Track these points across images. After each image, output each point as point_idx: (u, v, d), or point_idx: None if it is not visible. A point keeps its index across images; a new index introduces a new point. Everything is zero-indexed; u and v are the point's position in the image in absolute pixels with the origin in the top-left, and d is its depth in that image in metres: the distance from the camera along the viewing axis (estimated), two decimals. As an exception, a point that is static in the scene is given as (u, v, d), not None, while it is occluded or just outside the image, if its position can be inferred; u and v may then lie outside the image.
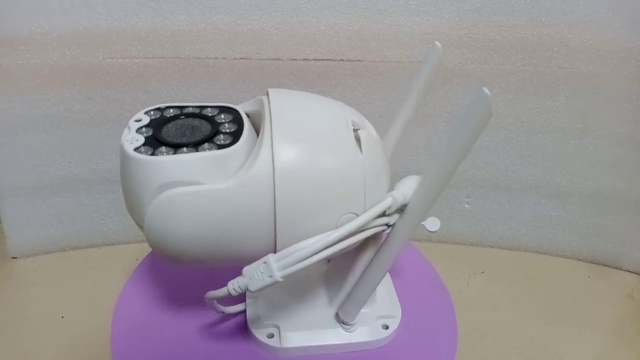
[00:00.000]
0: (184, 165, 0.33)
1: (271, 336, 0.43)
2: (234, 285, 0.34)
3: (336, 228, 0.34)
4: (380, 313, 0.44)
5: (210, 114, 0.38)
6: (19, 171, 0.67)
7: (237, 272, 0.47)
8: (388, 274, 0.47)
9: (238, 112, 0.38)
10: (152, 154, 0.33)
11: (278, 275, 0.33)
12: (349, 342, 0.42)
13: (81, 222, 0.72)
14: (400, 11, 0.63)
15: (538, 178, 0.71)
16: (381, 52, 0.65)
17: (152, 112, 0.38)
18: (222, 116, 0.38)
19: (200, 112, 0.38)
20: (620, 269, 0.73)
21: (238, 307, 0.45)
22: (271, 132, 0.34)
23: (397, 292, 0.47)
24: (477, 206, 0.74)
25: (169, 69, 0.64)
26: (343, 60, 0.65)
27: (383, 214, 0.35)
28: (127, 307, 0.46)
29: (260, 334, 0.43)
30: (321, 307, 0.44)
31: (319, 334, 0.42)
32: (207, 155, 0.33)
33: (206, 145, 0.34)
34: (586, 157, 0.68)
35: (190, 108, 0.38)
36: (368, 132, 0.37)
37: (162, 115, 0.38)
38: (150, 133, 0.35)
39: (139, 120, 0.37)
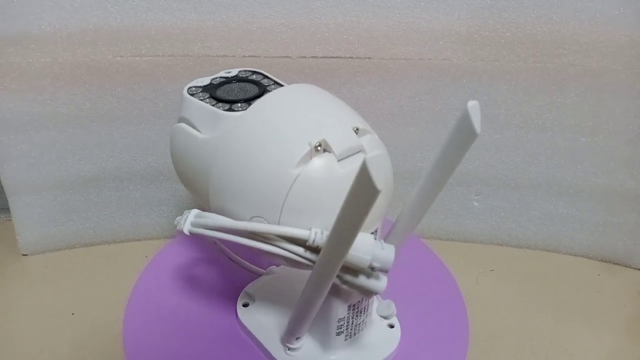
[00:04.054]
0: (194, 110, 0.38)
1: (245, 305, 0.44)
2: (176, 220, 0.37)
3: None
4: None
5: (272, 90, 0.40)
6: (29, 169, 0.67)
7: (245, 274, 0.48)
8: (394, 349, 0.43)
9: None
10: (191, 95, 0.39)
11: (186, 226, 0.35)
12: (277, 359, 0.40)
13: (91, 219, 0.73)
14: (409, 8, 0.62)
15: (548, 176, 0.71)
16: (390, 49, 0.64)
17: (243, 72, 0.43)
18: None
19: (268, 85, 0.41)
20: (630, 267, 0.73)
21: (258, 270, 0.47)
22: (245, 112, 0.36)
23: (408, 288, 0.47)
24: (486, 204, 0.74)
25: (178, 66, 0.65)
26: (352, 57, 0.65)
27: (304, 246, 0.32)
28: (139, 303, 0.46)
29: (241, 298, 0.45)
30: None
31: (272, 335, 0.41)
32: (211, 110, 0.37)
33: (221, 104, 0.38)
34: (597, 154, 0.68)
35: (266, 80, 0.42)
36: (343, 166, 0.33)
37: (246, 76, 0.42)
38: (219, 82, 0.41)
39: (228, 72, 0.43)
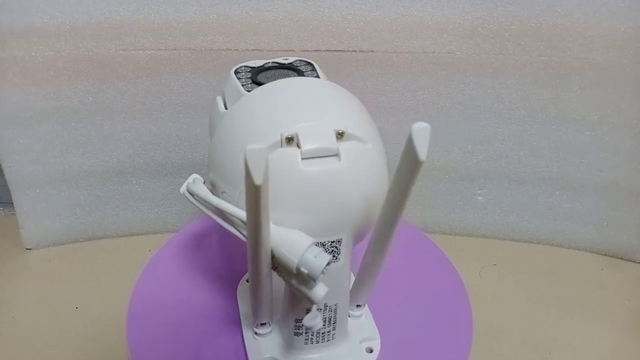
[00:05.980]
0: (228, 86, 0.40)
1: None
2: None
3: None
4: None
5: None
6: (32, 163, 0.68)
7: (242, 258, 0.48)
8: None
9: None
10: (236, 73, 0.41)
11: (182, 187, 0.38)
12: (246, 341, 0.40)
13: (95, 213, 0.73)
14: (413, 1, 0.62)
15: (552, 170, 0.70)
16: (394, 42, 0.64)
17: (297, 61, 0.44)
18: None
19: (310, 76, 0.41)
20: (634, 262, 0.72)
21: None
22: (248, 94, 0.37)
23: (411, 282, 0.47)
24: (489, 198, 0.74)
25: (181, 60, 0.64)
26: (355, 51, 0.65)
27: None
28: (143, 297, 0.46)
29: (246, 276, 0.46)
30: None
31: (252, 325, 0.41)
32: (238, 89, 0.39)
33: (250, 85, 0.39)
34: (601, 148, 0.68)
35: (311, 72, 0.42)
36: (307, 164, 0.32)
37: (295, 65, 0.43)
38: (268, 66, 0.43)
39: (286, 60, 0.44)
